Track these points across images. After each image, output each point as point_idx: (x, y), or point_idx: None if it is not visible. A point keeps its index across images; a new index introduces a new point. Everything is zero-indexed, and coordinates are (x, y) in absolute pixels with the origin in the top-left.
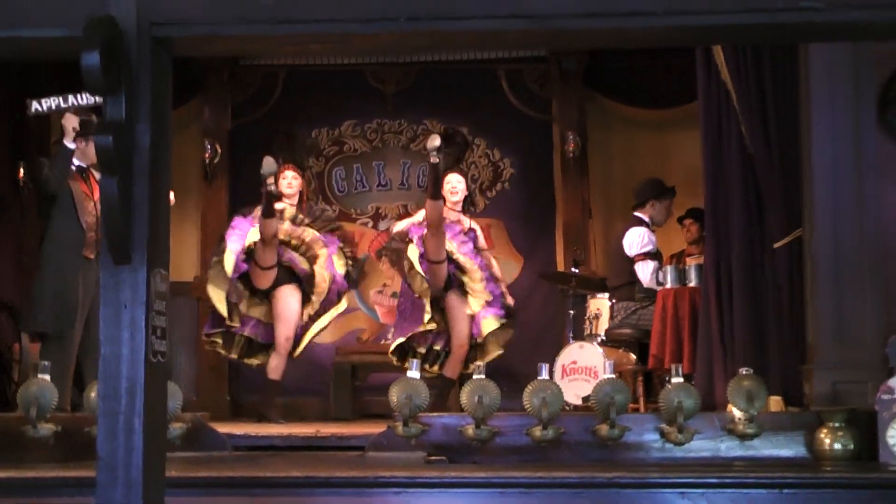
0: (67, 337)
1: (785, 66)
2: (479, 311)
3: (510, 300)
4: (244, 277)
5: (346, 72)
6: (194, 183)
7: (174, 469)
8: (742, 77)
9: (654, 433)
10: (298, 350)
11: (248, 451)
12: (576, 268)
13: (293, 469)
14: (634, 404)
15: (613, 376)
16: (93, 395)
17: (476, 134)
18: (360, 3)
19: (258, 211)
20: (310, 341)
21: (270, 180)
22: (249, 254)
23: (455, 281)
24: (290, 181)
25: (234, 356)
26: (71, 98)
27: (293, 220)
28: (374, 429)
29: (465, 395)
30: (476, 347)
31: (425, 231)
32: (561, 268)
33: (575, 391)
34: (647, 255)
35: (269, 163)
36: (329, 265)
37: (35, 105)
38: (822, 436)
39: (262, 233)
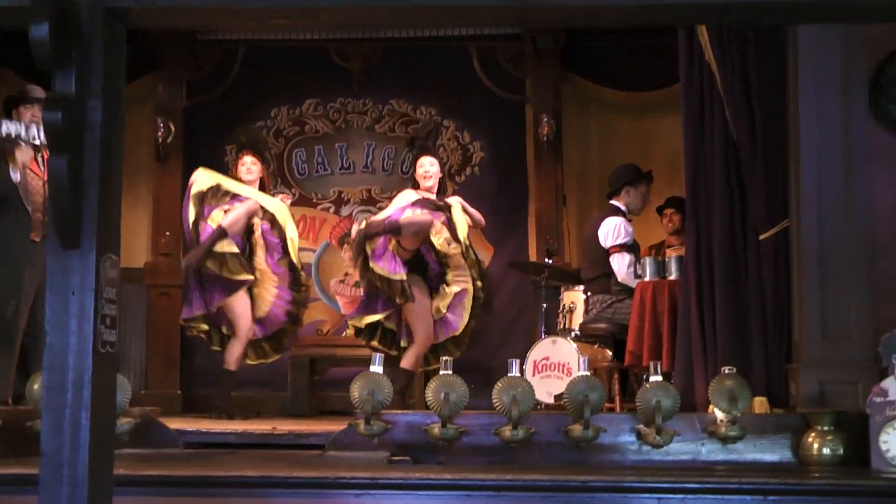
0: (11, 324)
1: (772, 48)
2: (445, 314)
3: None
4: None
5: (309, 48)
6: (146, 163)
7: (122, 467)
8: (727, 59)
9: (631, 434)
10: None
11: (200, 449)
12: (549, 258)
13: (248, 468)
14: (610, 404)
15: (588, 373)
16: (36, 386)
17: (445, 115)
18: None
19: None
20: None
21: None
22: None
23: (431, 271)
24: (248, 167)
25: (216, 347)
26: (34, 130)
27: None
28: (334, 426)
29: (431, 392)
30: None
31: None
32: (533, 258)
33: (547, 389)
34: (622, 247)
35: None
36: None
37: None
38: (810, 440)
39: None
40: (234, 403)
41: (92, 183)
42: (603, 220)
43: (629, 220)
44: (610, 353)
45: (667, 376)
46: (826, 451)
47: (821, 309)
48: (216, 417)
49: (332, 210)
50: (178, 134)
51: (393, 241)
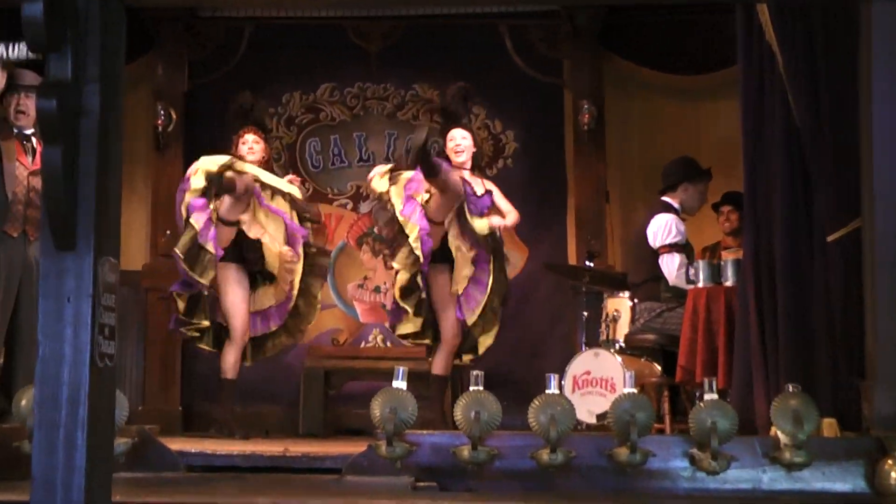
0: None
1: (840, 25)
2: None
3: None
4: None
5: (324, 26)
6: (144, 153)
7: (117, 492)
8: (790, 37)
9: (683, 459)
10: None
11: (203, 472)
12: (590, 261)
13: (258, 495)
14: (659, 424)
15: (634, 390)
16: (24, 401)
17: (473, 102)
18: None
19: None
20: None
21: None
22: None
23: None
24: (251, 146)
25: (207, 346)
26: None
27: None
28: (352, 448)
29: (460, 410)
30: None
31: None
32: (573, 260)
33: (588, 407)
34: (673, 247)
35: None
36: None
37: None
38: (886, 467)
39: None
40: (236, 420)
41: (88, 176)
42: (652, 217)
43: (682, 220)
44: (659, 368)
45: (723, 394)
46: None
47: None
48: (217, 433)
49: (349, 207)
50: (178, 121)
51: (422, 196)
